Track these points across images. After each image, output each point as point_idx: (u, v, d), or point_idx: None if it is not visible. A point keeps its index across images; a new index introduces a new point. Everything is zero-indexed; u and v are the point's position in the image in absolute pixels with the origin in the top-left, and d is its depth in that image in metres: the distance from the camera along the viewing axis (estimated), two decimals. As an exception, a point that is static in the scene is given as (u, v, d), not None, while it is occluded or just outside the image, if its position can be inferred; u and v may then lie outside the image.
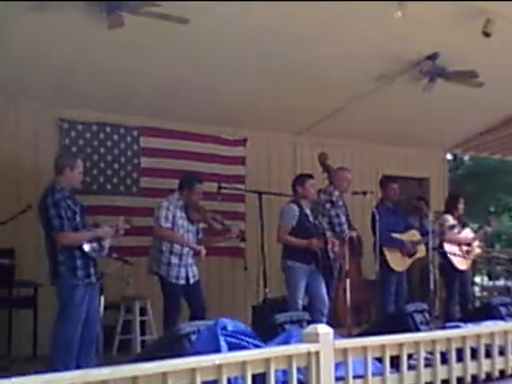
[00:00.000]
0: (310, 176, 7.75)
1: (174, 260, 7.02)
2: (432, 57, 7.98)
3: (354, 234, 8.14)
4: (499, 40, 7.05)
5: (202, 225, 7.34)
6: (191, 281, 7.11)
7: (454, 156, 16.99)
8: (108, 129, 8.65)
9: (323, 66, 7.95)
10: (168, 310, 6.98)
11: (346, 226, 8.07)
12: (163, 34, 6.73)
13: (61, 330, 5.74)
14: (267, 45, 7.31)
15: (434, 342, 5.30)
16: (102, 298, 6.17)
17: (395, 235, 8.44)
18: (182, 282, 7.05)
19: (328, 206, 8.09)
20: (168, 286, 7.02)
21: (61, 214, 5.73)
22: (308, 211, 7.62)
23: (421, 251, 8.65)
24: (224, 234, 7.43)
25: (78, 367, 5.44)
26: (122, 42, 6.78)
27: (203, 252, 7.13)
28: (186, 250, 7.09)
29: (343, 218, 8.10)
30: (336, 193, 8.17)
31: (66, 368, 5.36)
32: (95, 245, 5.88)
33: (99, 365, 4.70)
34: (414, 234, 8.69)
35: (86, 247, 5.80)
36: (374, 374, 4.91)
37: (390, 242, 8.33)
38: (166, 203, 7.08)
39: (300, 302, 7.31)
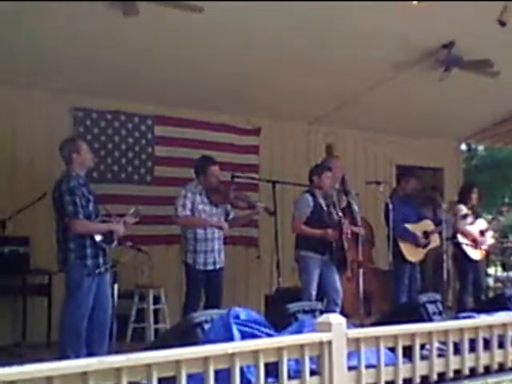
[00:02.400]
0: (329, 168, 7.73)
1: (200, 247, 6.96)
2: (448, 45, 7.93)
3: (359, 229, 8.02)
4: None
5: (229, 206, 7.24)
6: (217, 266, 7.06)
7: (468, 146, 16.90)
8: (122, 117, 8.66)
9: (338, 55, 7.92)
10: (190, 297, 6.94)
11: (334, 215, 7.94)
12: (177, 22, 6.72)
13: (68, 317, 5.76)
14: (281, 33, 7.30)
15: (446, 332, 5.31)
16: (116, 287, 6.18)
17: (408, 226, 8.42)
18: (210, 267, 7.00)
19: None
20: (194, 273, 6.97)
21: (75, 201, 5.71)
22: (322, 201, 7.59)
23: (435, 241, 8.63)
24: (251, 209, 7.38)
25: (91, 355, 5.47)
26: (136, 30, 6.80)
27: (226, 226, 7.11)
28: (210, 234, 7.03)
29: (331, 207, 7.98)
30: None
31: (77, 355, 5.40)
32: (107, 236, 5.89)
33: (113, 353, 4.73)
34: (427, 224, 8.67)
35: (98, 237, 5.81)
36: (386, 364, 4.93)
37: (403, 233, 8.31)
38: (183, 192, 7.05)
39: (313, 292, 7.29)
